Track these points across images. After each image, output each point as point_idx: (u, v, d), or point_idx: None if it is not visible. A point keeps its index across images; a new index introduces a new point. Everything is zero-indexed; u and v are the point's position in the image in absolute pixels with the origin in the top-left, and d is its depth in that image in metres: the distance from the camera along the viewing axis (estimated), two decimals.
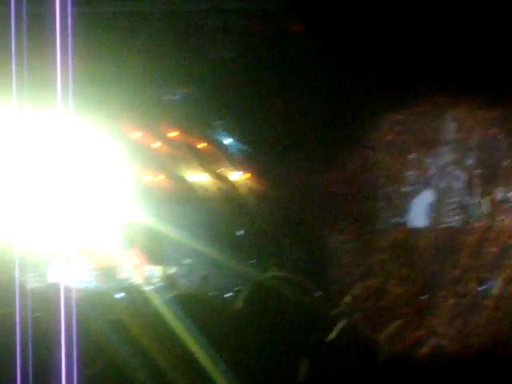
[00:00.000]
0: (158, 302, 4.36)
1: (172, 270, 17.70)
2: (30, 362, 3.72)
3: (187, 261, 16.76)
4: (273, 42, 13.62)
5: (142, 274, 17.96)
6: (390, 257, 11.80)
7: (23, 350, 3.73)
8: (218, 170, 17.82)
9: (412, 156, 13.04)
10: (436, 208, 12.81)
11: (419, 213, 12.83)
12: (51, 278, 17.08)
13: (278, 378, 3.85)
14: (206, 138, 17.39)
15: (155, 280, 16.47)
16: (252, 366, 3.90)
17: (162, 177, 18.56)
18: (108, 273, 17.74)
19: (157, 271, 17.70)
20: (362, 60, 12.65)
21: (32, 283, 15.37)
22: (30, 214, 15.43)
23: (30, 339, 3.86)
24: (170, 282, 15.92)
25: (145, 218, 18.05)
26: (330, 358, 3.90)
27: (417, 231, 12.71)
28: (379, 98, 12.55)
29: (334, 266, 12.53)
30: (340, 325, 4.14)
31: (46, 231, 14.06)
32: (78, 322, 4.12)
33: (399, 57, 12.61)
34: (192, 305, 4.21)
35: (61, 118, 11.25)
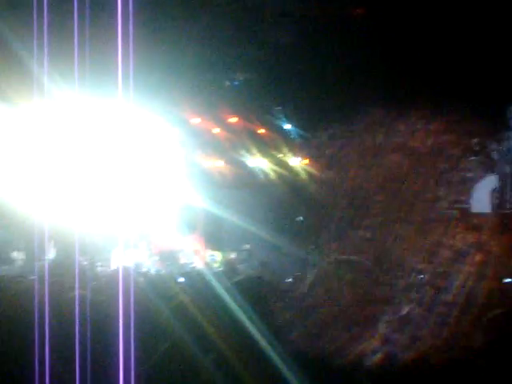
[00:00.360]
0: (220, 287, 4.40)
1: (232, 255, 17.78)
2: (89, 343, 3.82)
3: (247, 246, 16.81)
4: (332, 26, 13.55)
5: (203, 258, 18.10)
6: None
7: (83, 333, 3.83)
8: (278, 156, 17.83)
9: None
10: None
11: None
12: (114, 263, 17.37)
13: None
14: (265, 124, 17.40)
15: (215, 265, 16.57)
16: (320, 349, 3.90)
17: (221, 162, 18.64)
18: (169, 258, 17.92)
19: (217, 256, 17.80)
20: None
21: (95, 268, 15.72)
22: (93, 200, 15.71)
23: (89, 321, 3.96)
24: (229, 267, 16.01)
25: (205, 203, 18.19)
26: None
27: None
28: None
29: (395, 251, 12.44)
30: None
31: (108, 217, 14.28)
32: (138, 305, 4.19)
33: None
34: (256, 289, 4.22)
35: (122, 104, 11.43)
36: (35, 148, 15.52)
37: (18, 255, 17.24)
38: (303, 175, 17.39)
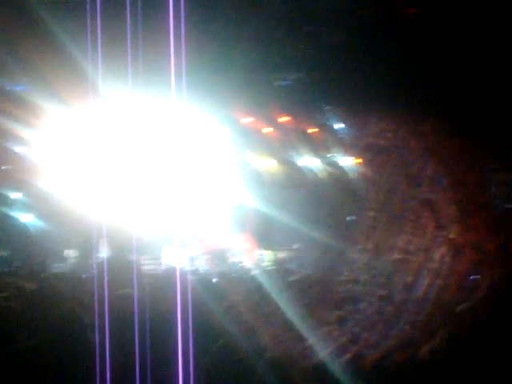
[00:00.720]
0: (273, 286, 4.40)
1: (282, 255, 17.82)
2: (148, 340, 3.86)
3: (296, 245, 16.83)
4: (384, 26, 13.49)
5: (253, 257, 18.18)
6: None
7: (141, 329, 3.88)
8: (328, 155, 17.81)
9: None
10: None
11: None
12: (166, 262, 17.55)
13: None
14: (316, 123, 17.39)
15: (265, 264, 16.62)
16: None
17: (272, 162, 18.71)
18: (220, 256, 18.03)
19: (267, 255, 17.87)
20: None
21: (149, 266, 15.88)
22: (146, 199, 15.89)
23: (147, 318, 4.00)
24: (279, 266, 16.04)
25: (256, 202, 18.26)
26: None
27: None
28: None
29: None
30: None
31: (160, 216, 14.43)
32: (192, 303, 4.22)
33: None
34: (314, 290, 4.17)
35: (175, 104, 11.53)
36: (90, 148, 15.77)
37: (71, 253, 17.52)
38: (354, 175, 17.35)
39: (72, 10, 11.96)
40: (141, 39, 10.50)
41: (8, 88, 15.92)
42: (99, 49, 10.55)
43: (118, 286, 5.05)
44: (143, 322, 3.92)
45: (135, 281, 5.37)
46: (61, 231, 17.28)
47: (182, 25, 9.35)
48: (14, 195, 18.37)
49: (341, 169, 17.60)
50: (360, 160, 17.37)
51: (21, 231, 18.04)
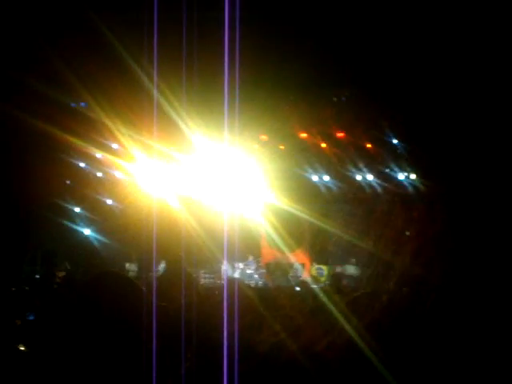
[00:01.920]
0: (330, 302, 4.42)
1: (338, 269, 17.80)
2: (195, 353, 3.97)
3: (353, 260, 16.85)
4: (441, 41, 13.42)
5: (310, 272, 18.23)
6: None
7: (190, 343, 4.00)
8: (384, 170, 17.79)
9: None
10: None
11: None
12: (221, 275, 17.72)
13: None
14: (372, 138, 17.39)
15: (322, 279, 16.64)
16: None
17: (328, 177, 18.75)
18: (276, 271, 18.11)
19: (324, 270, 17.88)
20: None
21: (202, 279, 16.07)
22: (202, 213, 16.09)
23: (195, 333, 4.12)
24: (336, 281, 16.03)
25: (312, 217, 18.31)
26: None
27: None
28: None
29: None
30: None
31: (217, 230, 14.56)
32: (246, 317, 4.28)
33: None
34: (383, 308, 4.11)
35: (228, 119, 11.70)
36: (151, 164, 16.06)
37: (130, 267, 17.80)
38: (411, 189, 17.31)
39: (129, 26, 12.22)
40: (197, 55, 10.68)
41: (71, 105, 16.30)
42: (156, 64, 10.76)
43: (174, 299, 5.18)
44: (195, 335, 4.03)
45: (193, 293, 5.52)
46: (121, 245, 17.58)
47: (237, 39, 9.49)
48: (78, 209, 18.76)
49: (396, 183, 17.58)
50: (415, 175, 17.36)
51: (83, 244, 18.41)
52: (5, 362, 3.22)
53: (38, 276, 16.63)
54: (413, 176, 17.43)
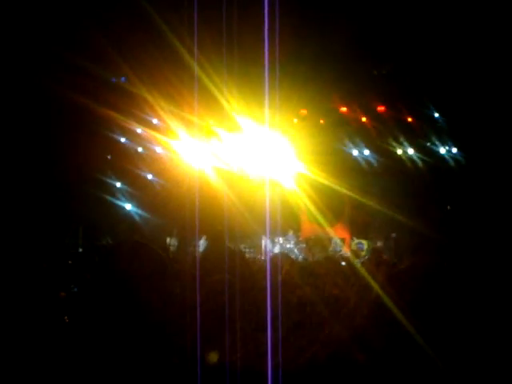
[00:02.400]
0: (371, 276, 4.40)
1: (378, 243, 17.70)
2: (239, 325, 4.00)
3: (393, 234, 16.73)
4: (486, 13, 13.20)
5: (350, 246, 18.19)
6: None
7: (234, 316, 4.02)
8: (425, 144, 17.63)
9: None
10: None
11: None
12: (261, 250, 17.76)
13: None
14: (413, 112, 17.23)
15: (362, 253, 16.57)
16: None
17: (368, 151, 18.64)
18: (316, 245, 18.08)
19: (364, 244, 17.81)
20: None
21: (245, 253, 16.11)
22: (243, 188, 16.14)
23: (238, 303, 4.14)
24: (376, 255, 15.98)
25: (352, 191, 18.23)
26: None
27: None
28: None
29: None
30: None
31: (257, 205, 14.61)
32: (290, 292, 4.29)
33: None
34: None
35: (268, 94, 11.69)
36: (191, 140, 16.14)
37: (171, 241, 17.89)
38: (451, 164, 17.15)
39: (170, 1, 12.22)
40: (238, 29, 10.67)
41: (112, 80, 16.38)
42: (197, 39, 10.76)
43: (215, 273, 5.22)
44: (237, 309, 4.06)
45: (230, 268, 5.56)
46: (162, 220, 17.67)
47: (278, 11, 9.45)
48: (119, 184, 18.88)
49: (437, 157, 17.41)
50: (456, 149, 17.18)
51: (125, 219, 18.54)
52: (51, 332, 3.28)
53: (80, 250, 16.85)
54: (454, 150, 17.26)
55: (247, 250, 17.37)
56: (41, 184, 14.62)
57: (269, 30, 9.33)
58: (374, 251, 16.52)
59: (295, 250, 17.89)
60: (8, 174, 13.20)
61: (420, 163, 17.72)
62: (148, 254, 3.19)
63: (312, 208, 17.32)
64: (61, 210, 16.41)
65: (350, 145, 18.45)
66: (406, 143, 17.77)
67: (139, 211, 18.81)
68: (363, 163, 18.62)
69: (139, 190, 18.92)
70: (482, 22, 13.04)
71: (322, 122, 18.23)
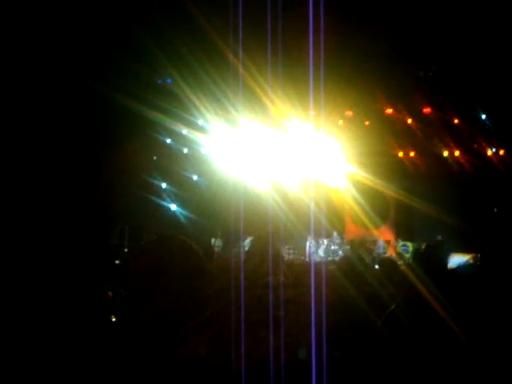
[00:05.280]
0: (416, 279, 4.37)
1: (423, 246, 17.54)
2: (282, 327, 4.01)
3: (439, 236, 16.58)
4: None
5: (395, 248, 18.08)
6: None
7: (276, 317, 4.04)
8: (472, 146, 17.46)
9: None
10: None
11: None
12: (305, 251, 17.75)
13: None
14: (460, 114, 17.08)
15: (407, 255, 16.46)
16: None
17: (414, 152, 18.53)
18: (361, 247, 18.00)
19: (409, 246, 17.69)
20: None
21: (286, 255, 16.12)
22: (286, 190, 16.15)
23: (282, 303, 4.15)
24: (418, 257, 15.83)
25: (397, 193, 18.14)
26: None
27: None
28: None
29: None
30: None
31: (301, 207, 14.62)
32: (329, 293, 4.29)
33: None
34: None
35: (313, 95, 11.69)
36: (237, 142, 16.23)
37: (216, 242, 17.97)
38: (498, 166, 16.95)
39: (214, 1, 12.28)
40: (282, 30, 10.67)
41: (158, 81, 16.51)
42: (242, 40, 10.79)
43: (259, 274, 5.21)
44: (281, 309, 4.06)
45: (274, 269, 5.54)
46: (207, 221, 17.76)
47: (323, 12, 9.43)
48: (164, 185, 19.02)
49: (484, 160, 17.23)
50: (503, 151, 16.98)
51: (170, 219, 18.66)
52: (99, 332, 3.31)
53: (126, 250, 17.01)
54: (501, 152, 17.07)
55: (291, 251, 17.38)
56: (88, 185, 14.80)
57: (314, 30, 9.33)
58: (416, 253, 16.43)
59: (339, 252, 17.85)
60: (56, 174, 13.38)
61: (466, 165, 17.56)
62: (184, 249, 3.14)
63: (357, 209, 17.28)
64: (107, 210, 16.59)
65: (396, 146, 18.35)
66: (452, 145, 17.62)
67: (184, 212, 18.93)
68: (409, 165, 18.51)
69: (184, 191, 19.03)
70: None
71: (367, 123, 18.15)
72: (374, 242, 17.91)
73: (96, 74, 13.30)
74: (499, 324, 3.75)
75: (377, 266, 10.24)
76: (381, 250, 17.63)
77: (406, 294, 4.57)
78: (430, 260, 6.19)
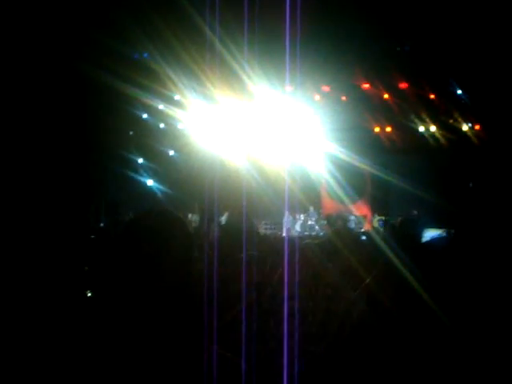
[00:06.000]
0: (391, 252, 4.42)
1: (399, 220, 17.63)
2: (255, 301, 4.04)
3: (414, 211, 16.69)
4: None
5: (371, 223, 18.20)
6: None
7: (250, 292, 4.07)
8: (448, 121, 17.54)
9: None
10: None
11: None
12: (281, 227, 17.81)
13: None
14: (436, 89, 17.13)
15: (382, 230, 16.55)
16: None
17: (391, 128, 18.59)
18: (337, 222, 18.07)
19: (384, 221, 17.80)
20: None
21: (263, 230, 16.18)
22: (264, 166, 16.17)
23: (256, 282, 4.18)
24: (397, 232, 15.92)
25: (373, 168, 18.21)
26: None
27: None
28: None
29: None
30: None
31: (278, 182, 14.63)
32: (301, 270, 4.32)
33: None
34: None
35: (290, 70, 11.68)
36: (211, 117, 16.19)
37: (193, 217, 17.98)
38: (474, 141, 17.05)
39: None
40: (259, 4, 10.64)
41: (134, 56, 16.39)
42: (218, 14, 10.75)
43: (236, 249, 5.23)
44: (254, 285, 4.09)
45: (250, 245, 5.57)
46: (184, 196, 17.74)
47: None
48: (141, 160, 18.96)
49: (460, 135, 17.32)
50: (479, 126, 17.07)
51: (147, 195, 18.63)
52: (74, 307, 3.31)
53: (102, 225, 16.96)
54: (477, 127, 17.16)
55: (268, 226, 17.45)
56: (63, 160, 14.72)
57: (291, 5, 9.30)
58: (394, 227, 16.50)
59: (316, 227, 17.94)
60: (30, 150, 13.30)
61: (442, 140, 17.65)
62: (179, 227, 3.08)
63: (333, 184, 17.35)
64: (84, 185, 16.53)
65: (372, 122, 18.41)
66: (428, 120, 17.70)
67: (161, 187, 18.91)
68: (385, 140, 18.58)
69: (161, 166, 19.01)
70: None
71: (344, 98, 18.19)
72: (351, 217, 18.02)
73: (71, 48, 13.20)
74: (472, 297, 3.80)
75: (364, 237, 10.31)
76: (352, 225, 17.71)
77: (381, 268, 4.61)
78: (404, 235, 6.25)
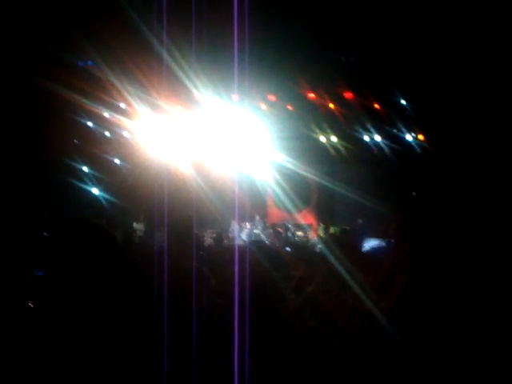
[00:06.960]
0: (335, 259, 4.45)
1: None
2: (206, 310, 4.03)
3: (360, 220, 16.85)
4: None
5: (317, 232, 18.29)
6: None
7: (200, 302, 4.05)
8: (392, 131, 17.73)
9: None
10: None
11: None
12: (229, 235, 17.79)
13: None
14: (380, 99, 17.30)
15: (328, 238, 16.63)
16: None
17: (336, 137, 18.73)
18: (283, 230, 18.17)
19: (331, 230, 17.92)
20: None
21: (209, 239, 16.14)
22: (211, 175, 16.16)
23: (206, 289, 4.17)
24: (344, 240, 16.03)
25: (319, 177, 18.34)
26: None
27: None
28: None
29: None
30: None
31: (224, 191, 14.64)
32: (252, 276, 4.33)
33: None
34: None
35: (236, 79, 11.69)
36: (154, 123, 16.10)
37: (138, 226, 17.87)
38: (418, 150, 17.26)
39: None
40: (206, 13, 10.64)
41: (79, 64, 16.25)
42: (165, 23, 10.72)
43: (183, 259, 5.22)
44: (205, 295, 4.08)
45: (197, 254, 5.57)
46: (129, 205, 17.63)
47: (246, 2, 9.42)
48: (86, 169, 18.78)
49: (404, 145, 17.52)
50: (423, 136, 17.30)
51: (91, 203, 18.44)
52: (14, 318, 3.27)
53: (45, 234, 16.73)
54: (421, 137, 17.38)
55: (215, 235, 17.41)
56: (5, 168, 14.51)
57: (237, 16, 9.31)
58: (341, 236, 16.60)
59: (262, 236, 17.96)
60: None
61: (387, 150, 17.84)
62: (97, 235, 3.12)
63: (279, 193, 17.41)
64: (27, 194, 16.30)
65: (318, 131, 18.52)
66: (373, 130, 17.87)
67: (106, 196, 18.75)
68: (331, 149, 18.72)
69: (106, 175, 18.85)
70: (448, 9, 13.11)
71: (289, 107, 18.27)
72: (296, 225, 18.13)
73: (15, 56, 13.04)
74: (412, 303, 3.86)
75: (288, 249, 10.36)
76: (289, 234, 17.82)
77: (324, 274, 4.66)
78: (344, 244, 6.32)
